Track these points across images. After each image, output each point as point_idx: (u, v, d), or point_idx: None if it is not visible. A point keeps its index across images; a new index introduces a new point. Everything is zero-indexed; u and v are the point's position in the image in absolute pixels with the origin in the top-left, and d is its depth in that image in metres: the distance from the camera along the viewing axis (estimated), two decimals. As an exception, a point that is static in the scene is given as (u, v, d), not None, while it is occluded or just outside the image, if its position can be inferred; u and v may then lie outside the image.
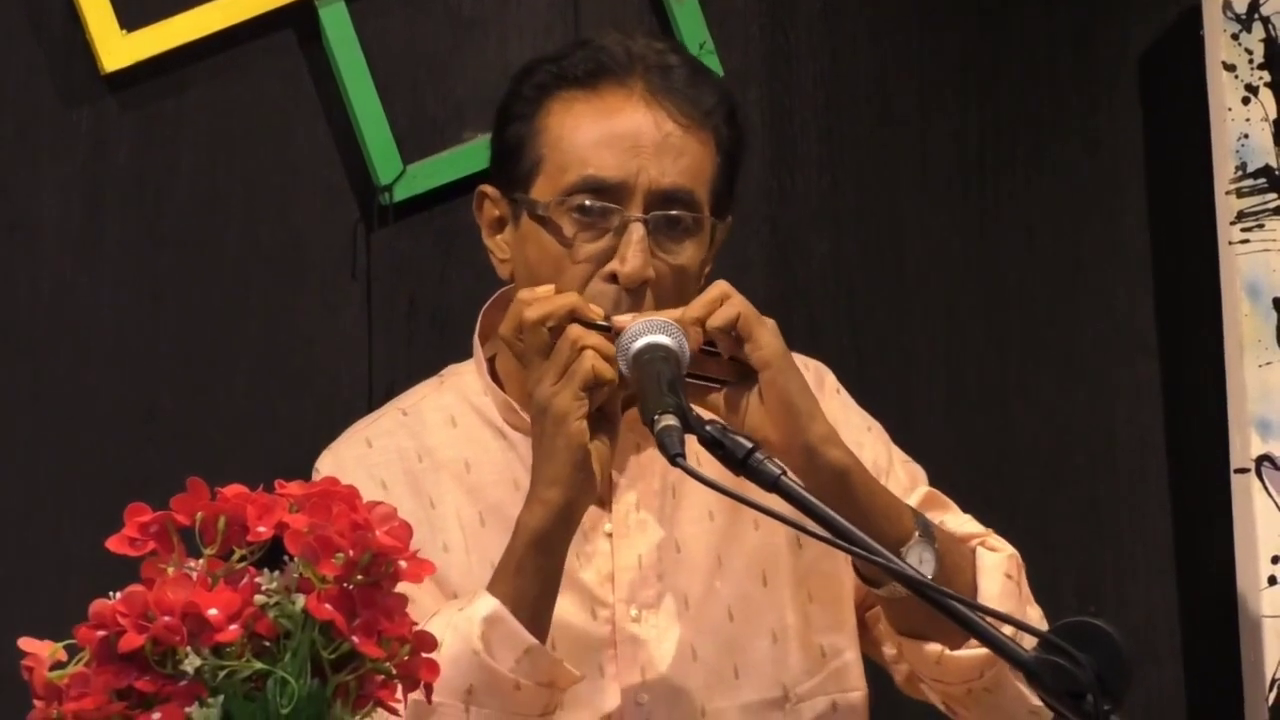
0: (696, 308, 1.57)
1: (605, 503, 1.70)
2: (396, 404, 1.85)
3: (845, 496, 1.55)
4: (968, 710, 1.71)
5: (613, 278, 1.62)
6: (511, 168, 1.71)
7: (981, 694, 1.63)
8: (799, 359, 1.68)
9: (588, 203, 1.63)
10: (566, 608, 1.65)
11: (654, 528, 1.72)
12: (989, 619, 1.30)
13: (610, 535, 1.71)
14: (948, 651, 1.62)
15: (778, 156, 2.55)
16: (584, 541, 1.67)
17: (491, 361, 1.77)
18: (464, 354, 1.87)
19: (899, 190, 2.62)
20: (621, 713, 1.68)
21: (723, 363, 1.58)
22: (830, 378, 1.85)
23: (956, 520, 1.75)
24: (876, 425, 1.85)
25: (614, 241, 1.63)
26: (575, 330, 1.53)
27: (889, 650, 1.75)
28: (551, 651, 1.59)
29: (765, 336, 1.56)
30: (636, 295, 1.62)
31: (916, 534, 1.60)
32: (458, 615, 1.54)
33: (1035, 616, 1.72)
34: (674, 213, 1.65)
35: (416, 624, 1.07)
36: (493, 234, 1.75)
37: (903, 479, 1.79)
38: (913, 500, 1.70)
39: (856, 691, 1.78)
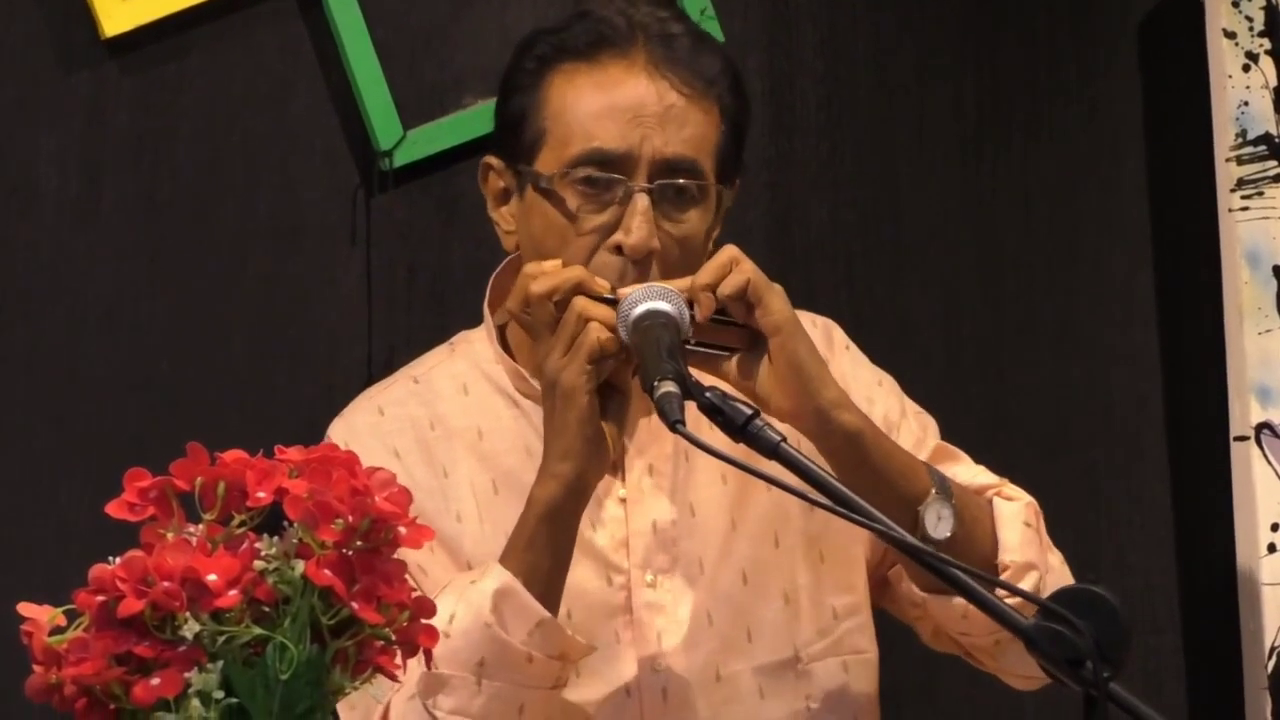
0: (705, 274, 1.56)
1: (618, 469, 1.70)
2: (408, 371, 1.85)
3: (859, 459, 1.56)
4: (995, 660, 1.72)
5: (618, 249, 1.62)
6: (515, 140, 1.70)
7: (1009, 644, 1.63)
8: (806, 316, 1.68)
9: (592, 174, 1.63)
10: (582, 575, 1.65)
11: (667, 493, 1.72)
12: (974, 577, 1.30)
13: (624, 501, 1.71)
14: (971, 606, 1.62)
15: (777, 123, 2.54)
16: (597, 508, 1.68)
17: (502, 329, 1.76)
18: (462, 321, 1.87)
19: (898, 157, 2.62)
20: (638, 679, 1.68)
21: (732, 330, 1.58)
22: (839, 333, 1.85)
23: (969, 471, 1.75)
24: (888, 378, 1.86)
25: (619, 213, 1.63)
26: (580, 303, 1.53)
27: (913, 608, 1.75)
28: (567, 619, 1.59)
29: (775, 302, 1.56)
30: (643, 266, 1.62)
31: (933, 491, 1.60)
32: (469, 588, 1.55)
33: (1056, 563, 1.73)
34: (680, 181, 1.64)
35: (426, 594, 1.08)
36: (498, 206, 1.75)
37: (915, 429, 1.79)
38: (923, 456, 1.70)
39: (868, 653, 1.79)
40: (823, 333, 1.79)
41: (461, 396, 1.77)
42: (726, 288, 1.55)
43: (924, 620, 1.76)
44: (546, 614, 1.54)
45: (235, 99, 2.42)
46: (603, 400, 1.54)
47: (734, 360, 1.59)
